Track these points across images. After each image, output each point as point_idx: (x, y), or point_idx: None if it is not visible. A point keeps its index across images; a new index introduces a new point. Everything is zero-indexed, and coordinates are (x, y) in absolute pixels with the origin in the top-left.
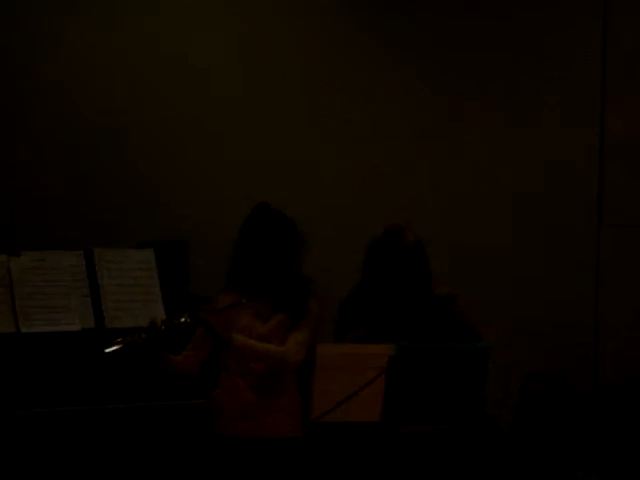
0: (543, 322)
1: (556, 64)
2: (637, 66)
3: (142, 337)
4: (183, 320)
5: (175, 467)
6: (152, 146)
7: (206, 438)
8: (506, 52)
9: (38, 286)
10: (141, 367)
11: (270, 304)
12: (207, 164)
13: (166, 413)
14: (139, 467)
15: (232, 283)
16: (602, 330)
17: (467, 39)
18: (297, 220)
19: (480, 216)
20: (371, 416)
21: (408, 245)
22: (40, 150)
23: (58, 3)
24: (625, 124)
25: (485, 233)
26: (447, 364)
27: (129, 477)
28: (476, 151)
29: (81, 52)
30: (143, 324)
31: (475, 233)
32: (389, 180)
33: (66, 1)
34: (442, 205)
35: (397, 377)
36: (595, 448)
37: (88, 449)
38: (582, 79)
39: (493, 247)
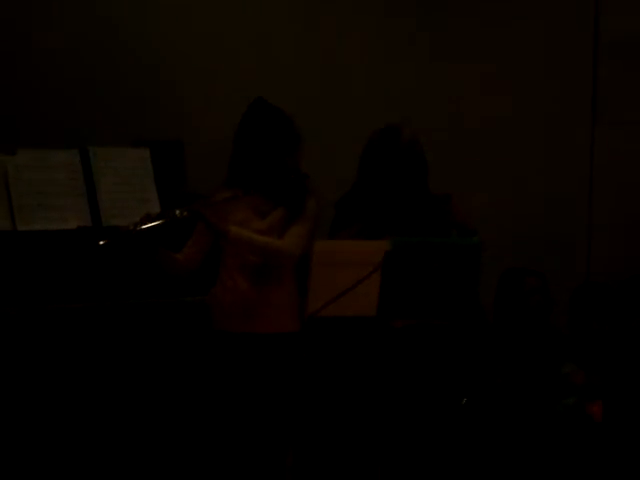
0: (536, 221)
1: None
2: None
3: (137, 229)
4: (179, 213)
5: (174, 363)
6: (150, 45)
7: (205, 334)
8: None
9: (34, 184)
10: (139, 264)
11: (268, 200)
12: (204, 61)
13: (165, 310)
14: (138, 364)
15: (230, 179)
16: (595, 229)
17: None
18: (297, 116)
19: (475, 112)
20: (367, 310)
21: (404, 142)
22: (36, 45)
23: None
24: (620, 22)
25: (478, 132)
26: (442, 259)
27: (127, 374)
28: (467, 44)
29: None
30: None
31: (468, 130)
32: (388, 79)
33: None
34: (438, 96)
35: (393, 272)
36: (584, 345)
37: (86, 346)
38: None
39: (486, 143)
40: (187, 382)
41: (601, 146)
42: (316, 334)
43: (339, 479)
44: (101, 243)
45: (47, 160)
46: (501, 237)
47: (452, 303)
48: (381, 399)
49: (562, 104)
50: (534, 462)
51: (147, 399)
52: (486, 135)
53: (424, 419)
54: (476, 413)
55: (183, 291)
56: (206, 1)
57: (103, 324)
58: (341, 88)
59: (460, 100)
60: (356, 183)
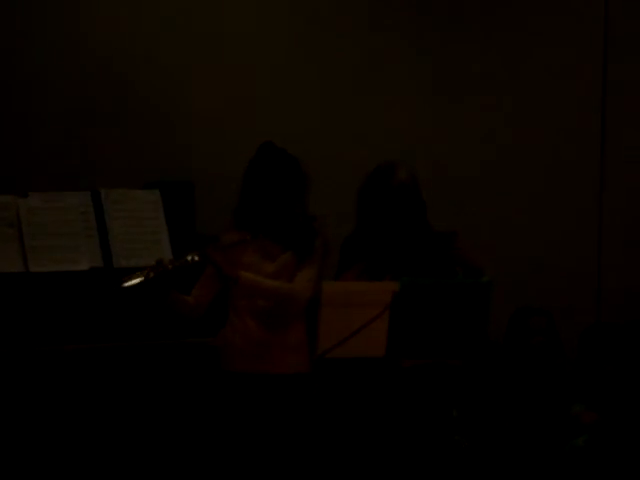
0: (544, 256)
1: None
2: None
3: (150, 276)
4: (190, 258)
5: (183, 404)
6: (158, 87)
7: (214, 375)
8: None
9: (46, 226)
10: (149, 306)
11: (277, 243)
12: (212, 104)
13: (174, 351)
14: (146, 405)
15: (238, 222)
16: (605, 267)
17: None
18: (303, 158)
19: (481, 150)
20: (376, 351)
21: (397, 182)
22: (43, 88)
23: None
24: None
25: (485, 165)
26: (450, 299)
27: (136, 415)
28: (471, 89)
29: None
30: (151, 263)
31: (475, 166)
32: (392, 118)
33: None
34: (442, 141)
35: (401, 313)
36: (595, 385)
37: (96, 387)
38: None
39: (493, 179)
40: (196, 424)
41: (611, 180)
42: (325, 375)
43: None
44: (125, 285)
45: (59, 202)
46: (511, 275)
47: (461, 343)
48: (390, 439)
49: (570, 140)
50: None
51: (157, 440)
52: (491, 171)
53: (431, 458)
54: (483, 452)
55: (190, 332)
56: (216, 46)
57: (111, 366)
58: (343, 122)
59: (463, 136)
60: (357, 223)
